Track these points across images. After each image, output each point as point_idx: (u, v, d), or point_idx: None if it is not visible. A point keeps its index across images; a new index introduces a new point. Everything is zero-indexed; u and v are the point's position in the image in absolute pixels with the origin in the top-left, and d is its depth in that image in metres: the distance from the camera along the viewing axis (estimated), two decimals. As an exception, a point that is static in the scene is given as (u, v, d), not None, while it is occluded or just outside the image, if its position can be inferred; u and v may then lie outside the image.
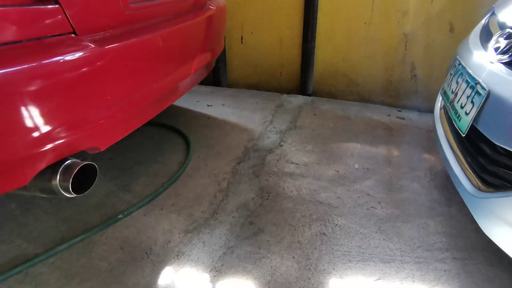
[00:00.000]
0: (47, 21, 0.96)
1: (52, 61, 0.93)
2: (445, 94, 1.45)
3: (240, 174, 1.81)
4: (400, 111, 2.62)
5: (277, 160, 1.94)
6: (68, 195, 1.06)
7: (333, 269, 1.27)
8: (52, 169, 1.03)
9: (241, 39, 2.96)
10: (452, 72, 1.43)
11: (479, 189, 1.13)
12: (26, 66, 0.88)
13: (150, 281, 1.22)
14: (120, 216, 1.50)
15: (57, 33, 0.99)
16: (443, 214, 1.55)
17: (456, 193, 1.65)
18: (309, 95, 2.91)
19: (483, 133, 1.09)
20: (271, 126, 2.34)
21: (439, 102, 1.70)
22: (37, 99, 0.92)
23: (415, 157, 1.99)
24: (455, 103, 1.30)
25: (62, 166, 1.04)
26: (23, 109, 0.89)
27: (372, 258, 1.32)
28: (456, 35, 2.44)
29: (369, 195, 1.67)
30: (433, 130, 1.68)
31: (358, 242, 1.40)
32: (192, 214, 1.53)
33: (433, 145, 2.11)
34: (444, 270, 1.27)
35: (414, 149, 2.08)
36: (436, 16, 2.45)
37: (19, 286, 1.20)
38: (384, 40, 2.62)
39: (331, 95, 2.91)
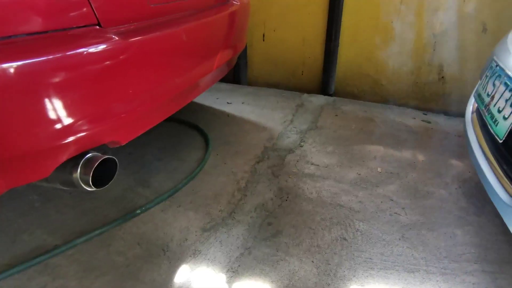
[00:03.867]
0: (73, 12, 0.95)
1: (77, 53, 0.92)
2: (479, 97, 1.38)
3: (259, 173, 1.78)
4: (425, 114, 2.54)
5: (297, 161, 1.90)
6: (88, 189, 1.05)
7: (354, 276, 1.23)
8: (73, 162, 1.02)
9: (263, 36, 2.92)
10: (488, 74, 1.36)
11: (514, 199, 1.06)
12: (50, 57, 0.86)
13: (166, 279, 1.20)
14: (138, 211, 1.49)
15: (82, 25, 0.97)
16: (472, 224, 1.47)
17: (486, 202, 1.58)
18: (331, 95, 2.85)
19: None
20: (291, 126, 2.30)
21: (470, 106, 1.62)
22: (60, 90, 0.90)
23: (441, 163, 1.91)
24: (491, 106, 1.23)
25: (83, 159, 1.03)
26: (46, 101, 0.88)
27: (395, 267, 1.27)
28: (489, 36, 2.35)
29: (392, 200, 1.61)
30: (463, 135, 1.61)
31: (380, 249, 1.34)
32: (209, 212, 1.51)
33: (461, 151, 2.02)
34: (473, 283, 1.20)
35: (440, 154, 2.00)
36: (468, 15, 2.36)
37: (38, 276, 1.20)
38: (411, 40, 2.54)
39: (354, 96, 2.84)
